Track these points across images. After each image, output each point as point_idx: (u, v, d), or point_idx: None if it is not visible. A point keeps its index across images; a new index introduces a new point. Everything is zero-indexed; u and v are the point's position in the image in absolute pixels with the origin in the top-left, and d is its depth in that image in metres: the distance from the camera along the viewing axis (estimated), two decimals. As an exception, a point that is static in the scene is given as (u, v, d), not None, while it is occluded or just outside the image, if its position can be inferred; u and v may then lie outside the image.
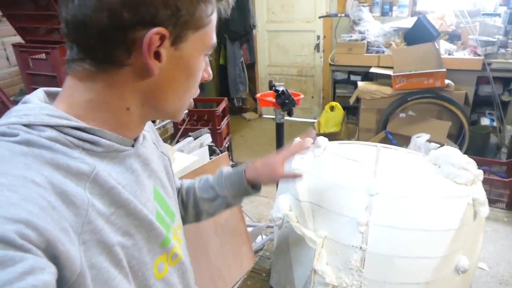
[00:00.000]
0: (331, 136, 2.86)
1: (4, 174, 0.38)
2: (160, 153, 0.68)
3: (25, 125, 0.44)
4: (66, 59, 0.50)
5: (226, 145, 3.20)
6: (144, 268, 0.52)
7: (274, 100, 2.02)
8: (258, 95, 2.19)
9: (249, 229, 2.30)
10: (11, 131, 0.43)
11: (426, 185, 0.83)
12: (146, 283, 0.52)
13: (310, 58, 4.22)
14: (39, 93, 0.52)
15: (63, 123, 0.46)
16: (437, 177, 0.84)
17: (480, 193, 0.80)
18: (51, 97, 0.53)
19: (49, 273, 0.35)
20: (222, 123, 3.07)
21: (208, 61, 0.59)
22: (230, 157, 3.21)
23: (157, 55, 0.47)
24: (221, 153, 2.44)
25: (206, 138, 2.33)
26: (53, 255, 0.37)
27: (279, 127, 2.17)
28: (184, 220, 0.83)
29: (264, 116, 4.69)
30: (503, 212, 2.64)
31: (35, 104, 0.48)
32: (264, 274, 1.04)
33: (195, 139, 2.26)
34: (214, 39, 0.54)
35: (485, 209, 0.80)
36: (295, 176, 0.85)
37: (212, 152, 2.37)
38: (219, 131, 3.01)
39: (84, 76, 0.48)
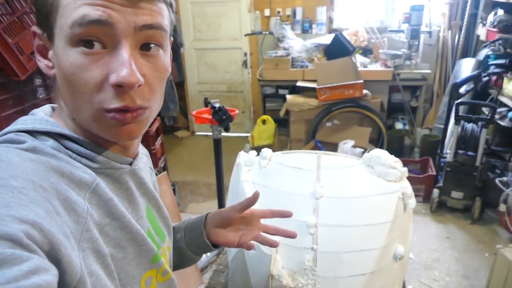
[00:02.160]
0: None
1: (15, 177, 0.39)
2: (154, 180, 0.69)
3: (29, 132, 0.46)
4: None
5: (162, 165, 3.14)
6: (132, 281, 0.52)
7: (210, 117, 2.06)
8: (193, 112, 2.21)
9: (193, 247, 2.28)
10: (18, 138, 0.45)
11: (363, 185, 0.92)
12: None
13: (239, 74, 4.34)
14: (46, 108, 0.53)
15: (63, 132, 0.48)
16: (371, 177, 0.95)
17: (407, 187, 0.92)
18: None
19: (52, 274, 0.35)
20: (156, 143, 3.01)
21: (125, 60, 0.44)
22: (167, 177, 3.15)
23: (47, 54, 0.49)
24: (158, 173, 2.39)
25: (142, 159, 2.27)
26: (55, 258, 0.37)
27: (217, 143, 2.20)
28: None
29: (197, 133, 4.68)
30: (421, 205, 2.97)
31: (41, 117, 0.50)
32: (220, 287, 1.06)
33: (130, 161, 2.19)
34: (71, 16, 0.42)
35: (413, 201, 0.92)
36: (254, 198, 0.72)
37: (149, 173, 2.31)
38: (154, 151, 2.94)
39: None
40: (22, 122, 0.48)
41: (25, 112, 0.53)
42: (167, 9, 0.49)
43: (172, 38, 0.53)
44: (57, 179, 0.43)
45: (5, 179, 0.38)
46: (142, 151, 0.63)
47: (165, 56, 0.50)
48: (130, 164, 0.55)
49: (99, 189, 0.47)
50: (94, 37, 0.43)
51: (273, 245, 0.72)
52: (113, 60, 0.44)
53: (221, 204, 2.28)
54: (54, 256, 0.37)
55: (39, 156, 0.44)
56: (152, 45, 0.47)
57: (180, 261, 0.78)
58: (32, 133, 0.47)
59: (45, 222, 0.37)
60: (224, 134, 2.18)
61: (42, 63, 0.49)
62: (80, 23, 0.42)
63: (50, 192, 0.41)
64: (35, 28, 0.48)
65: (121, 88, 0.44)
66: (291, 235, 0.71)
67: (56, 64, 0.47)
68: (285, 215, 0.73)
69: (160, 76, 0.49)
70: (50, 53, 0.48)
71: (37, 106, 0.54)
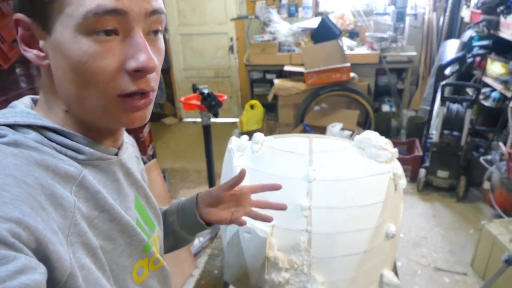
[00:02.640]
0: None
1: None
2: (141, 169, 0.68)
3: (10, 126, 0.44)
4: None
5: (151, 153, 3.12)
6: (124, 272, 0.52)
7: (199, 103, 2.04)
8: (182, 99, 2.19)
9: (186, 234, 2.29)
10: None
11: (354, 167, 0.94)
12: (126, 287, 0.52)
13: (225, 60, 4.30)
14: (26, 100, 0.51)
15: (47, 124, 0.46)
16: (362, 158, 0.96)
17: (398, 168, 0.94)
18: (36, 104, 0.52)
19: (40, 273, 0.34)
20: (144, 131, 2.98)
21: (141, 45, 0.45)
22: (156, 165, 3.13)
23: (37, 44, 0.46)
24: (148, 161, 2.37)
25: (131, 147, 2.25)
26: (43, 255, 0.37)
27: (206, 129, 2.20)
28: None
29: (185, 120, 4.65)
30: (408, 185, 3.04)
31: (22, 109, 0.47)
32: (216, 271, 1.07)
33: (119, 149, 2.17)
34: (86, 4, 0.41)
35: (403, 181, 0.94)
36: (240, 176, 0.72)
37: (138, 161, 2.30)
38: (142, 139, 2.92)
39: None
40: (1, 116, 0.45)
41: (9, 103, 0.51)
42: None
43: None
44: (41, 174, 0.41)
45: None
46: (127, 140, 0.62)
47: (162, 39, 0.52)
48: (116, 154, 0.55)
49: (86, 181, 0.46)
50: (109, 25, 0.43)
51: (267, 219, 0.74)
52: (128, 47, 0.45)
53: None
54: (42, 253, 0.37)
55: (21, 150, 0.42)
56: (158, 29, 0.49)
57: (175, 242, 0.79)
58: (13, 126, 0.44)
59: (30, 219, 0.36)
60: (213, 120, 2.18)
61: (30, 53, 0.46)
62: (96, 12, 0.41)
63: (35, 188, 0.40)
64: (20, 16, 0.44)
65: (138, 73, 0.45)
66: (282, 207, 0.74)
67: (58, 53, 0.44)
68: (275, 187, 0.75)
69: (162, 59, 0.51)
70: (42, 42, 0.46)
71: (21, 96, 0.52)
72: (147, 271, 0.58)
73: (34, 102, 0.52)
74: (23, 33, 0.46)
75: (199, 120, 2.18)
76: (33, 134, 0.45)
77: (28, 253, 0.35)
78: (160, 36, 0.50)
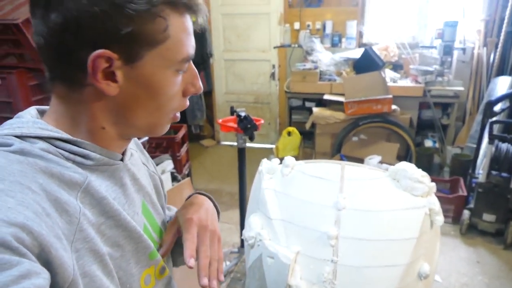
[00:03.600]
0: (290, 160, 2.94)
1: (2, 180, 0.39)
2: (152, 172, 0.69)
3: (17, 137, 0.45)
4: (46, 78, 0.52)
5: (186, 172, 3.17)
6: (131, 279, 0.52)
7: (235, 125, 2.07)
8: (220, 120, 2.23)
9: (213, 256, 2.28)
10: (5, 141, 0.44)
11: (387, 198, 0.89)
12: None
13: (266, 86, 4.37)
14: (31, 111, 0.52)
15: (55, 135, 0.47)
16: (396, 190, 0.91)
17: (435, 204, 0.88)
18: (42, 115, 0.54)
19: (44, 278, 0.35)
20: (181, 150, 3.06)
21: (196, 74, 0.57)
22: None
23: (113, 75, 0.47)
24: (182, 179, 2.41)
25: (168, 164, 2.31)
26: (46, 261, 0.37)
27: (241, 152, 2.21)
28: None
29: (222, 143, 4.72)
30: (449, 226, 2.85)
31: (28, 119, 0.49)
32: (236, 295, 1.05)
33: (156, 165, 2.23)
34: (183, 53, 0.51)
35: (440, 218, 0.88)
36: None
37: (173, 178, 2.34)
38: (179, 157, 2.99)
39: (59, 94, 0.50)
40: (9, 126, 0.47)
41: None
42: None
43: None
44: (46, 180, 0.42)
45: None
46: (132, 146, 0.63)
47: None
48: (122, 160, 0.56)
49: (91, 188, 0.47)
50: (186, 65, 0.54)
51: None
52: (187, 76, 0.56)
53: (242, 213, 2.28)
54: (45, 258, 0.37)
55: (26, 157, 0.43)
56: None
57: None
58: (20, 136, 0.46)
59: (34, 224, 0.37)
60: (248, 144, 2.19)
61: (102, 84, 0.47)
62: (187, 59, 0.52)
63: (39, 194, 0.40)
64: (107, 52, 0.45)
65: (190, 95, 0.57)
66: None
67: (139, 84, 0.49)
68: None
69: None
70: (120, 74, 0.47)
71: None
72: (154, 280, 0.57)
73: (40, 112, 0.54)
74: (105, 67, 0.46)
75: (235, 143, 2.20)
76: (40, 143, 0.46)
77: (32, 258, 0.35)
78: None
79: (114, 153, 0.54)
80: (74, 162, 0.48)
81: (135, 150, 0.66)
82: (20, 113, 0.51)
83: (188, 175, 3.25)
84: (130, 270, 0.52)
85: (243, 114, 1.97)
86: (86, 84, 0.47)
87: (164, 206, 0.70)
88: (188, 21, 0.51)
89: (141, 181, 0.60)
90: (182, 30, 0.50)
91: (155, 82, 0.50)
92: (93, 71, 0.46)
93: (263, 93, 4.41)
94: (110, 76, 0.47)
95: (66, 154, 0.47)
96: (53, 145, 0.46)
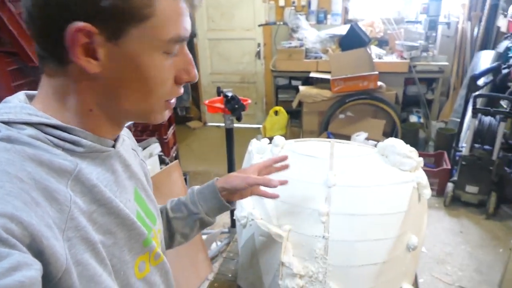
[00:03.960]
0: (278, 140, 2.95)
1: None
2: (140, 160, 0.68)
3: (4, 123, 0.44)
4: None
5: (174, 155, 3.15)
6: (125, 267, 0.51)
7: (223, 106, 2.05)
8: (206, 101, 2.20)
9: (204, 236, 2.29)
10: None
11: (376, 174, 0.91)
12: (127, 282, 0.52)
13: (252, 65, 4.32)
14: (20, 95, 0.51)
15: (44, 121, 0.45)
16: (385, 166, 0.93)
17: (423, 178, 0.90)
18: (31, 99, 0.52)
19: (35, 269, 0.34)
20: (168, 133, 3.03)
21: (191, 60, 0.54)
22: (179, 166, 3.17)
23: (94, 52, 0.45)
24: (170, 162, 2.40)
25: (155, 147, 2.28)
26: (38, 251, 0.37)
27: (229, 133, 2.20)
28: None
29: (209, 124, 4.69)
30: (434, 199, 2.93)
31: (16, 104, 0.47)
32: (230, 275, 1.06)
33: (143, 149, 2.20)
34: (170, 33, 0.48)
35: (427, 191, 0.90)
36: (269, 183, 0.79)
37: (161, 161, 2.33)
38: (166, 140, 2.96)
39: (48, 73, 0.49)
40: None
41: None
42: None
43: None
44: (34, 168, 0.41)
45: None
46: (123, 133, 0.62)
47: None
48: (114, 146, 0.55)
49: (82, 175, 0.46)
50: (176, 48, 0.51)
51: (273, 196, 0.83)
52: (180, 61, 0.53)
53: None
54: (36, 249, 0.36)
55: (13, 145, 0.42)
56: None
57: (195, 230, 0.82)
58: (8, 123, 0.44)
59: (24, 214, 0.36)
60: (236, 124, 2.18)
61: (82, 60, 0.45)
62: (176, 40, 0.49)
63: (28, 183, 0.39)
64: (88, 26, 0.43)
65: (185, 82, 0.54)
66: (283, 182, 0.81)
67: (126, 64, 0.47)
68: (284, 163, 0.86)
69: None
70: (102, 51, 0.45)
71: None
72: (149, 267, 0.57)
73: (29, 97, 0.52)
74: (85, 42, 0.44)
75: (223, 124, 2.19)
76: (28, 129, 0.44)
77: (23, 249, 0.35)
78: None
79: (105, 140, 0.52)
80: (64, 149, 0.46)
81: (127, 137, 0.65)
82: (7, 98, 0.49)
83: (176, 157, 3.23)
84: (124, 257, 0.51)
85: (230, 94, 1.95)
86: (69, 61, 0.46)
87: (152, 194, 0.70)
88: (180, 0, 0.49)
89: (133, 167, 0.59)
90: (172, 8, 0.48)
91: (141, 63, 0.47)
92: (72, 45, 0.43)
93: (249, 73, 4.37)
94: (91, 52, 0.45)
95: (56, 140, 0.46)
96: (42, 131, 0.45)
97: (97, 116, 0.50)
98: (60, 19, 0.43)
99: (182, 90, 0.55)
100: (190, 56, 0.54)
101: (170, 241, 0.81)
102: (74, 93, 0.48)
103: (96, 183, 0.47)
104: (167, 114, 0.56)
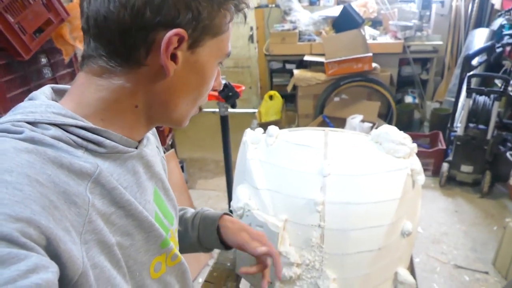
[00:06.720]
0: (273, 125, 2.95)
1: (10, 171, 0.37)
2: (161, 157, 0.68)
3: (30, 123, 0.44)
4: (82, 55, 0.50)
5: (170, 143, 3.15)
6: (141, 268, 0.52)
7: (216, 93, 2.04)
8: (199, 89, 2.18)
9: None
10: (15, 129, 0.42)
11: (371, 162, 0.91)
12: (143, 283, 0.53)
13: (245, 50, 4.27)
14: (46, 90, 0.51)
15: (69, 122, 0.45)
16: (379, 153, 0.93)
17: (416, 164, 0.90)
18: (58, 94, 0.52)
19: (52, 272, 0.35)
20: (163, 121, 3.02)
21: (219, 71, 0.59)
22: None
23: (174, 57, 0.48)
24: (166, 151, 2.40)
25: (150, 137, 2.28)
26: (55, 254, 0.37)
27: (224, 120, 2.19)
28: None
29: (204, 110, 4.66)
30: (430, 179, 2.96)
31: (42, 101, 0.47)
32: (229, 264, 1.07)
33: (138, 139, 2.20)
34: (229, 47, 0.54)
35: (421, 177, 0.91)
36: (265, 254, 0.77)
37: (157, 150, 2.32)
38: (161, 129, 2.95)
39: (100, 73, 0.48)
40: (22, 111, 0.45)
41: (31, 92, 0.51)
42: None
43: None
44: (54, 171, 0.41)
45: None
46: (150, 131, 0.62)
47: None
48: (137, 147, 0.54)
49: (102, 178, 0.46)
50: None
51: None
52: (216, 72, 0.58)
53: (229, 180, 2.30)
54: (53, 252, 0.37)
55: (36, 146, 0.42)
56: None
57: (188, 250, 0.84)
58: (33, 123, 0.44)
59: (42, 218, 0.36)
60: (231, 110, 2.17)
61: (168, 63, 0.48)
62: (229, 54, 0.56)
63: (47, 186, 0.39)
64: (182, 32, 0.46)
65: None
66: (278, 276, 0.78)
67: (194, 70, 0.51)
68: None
69: None
70: (181, 56, 0.48)
71: (43, 85, 0.52)
72: (165, 267, 0.58)
73: (55, 91, 0.52)
74: (174, 47, 0.47)
75: (217, 110, 2.18)
76: (53, 130, 0.44)
77: (40, 251, 0.35)
78: None
79: (130, 140, 0.52)
80: (86, 149, 0.46)
81: (152, 134, 0.65)
82: (33, 94, 0.49)
83: (172, 145, 3.22)
84: (140, 258, 0.52)
85: (224, 82, 1.93)
86: (143, 64, 0.47)
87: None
88: None
89: (155, 167, 0.58)
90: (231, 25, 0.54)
91: (206, 71, 0.53)
92: (166, 48, 0.46)
93: (243, 57, 4.32)
94: (172, 57, 0.48)
95: (80, 141, 0.46)
96: (66, 131, 0.45)
97: (137, 113, 0.51)
98: (152, 25, 0.45)
99: (207, 98, 0.60)
100: (218, 68, 0.59)
101: None
102: (126, 92, 0.49)
103: (115, 185, 0.47)
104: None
